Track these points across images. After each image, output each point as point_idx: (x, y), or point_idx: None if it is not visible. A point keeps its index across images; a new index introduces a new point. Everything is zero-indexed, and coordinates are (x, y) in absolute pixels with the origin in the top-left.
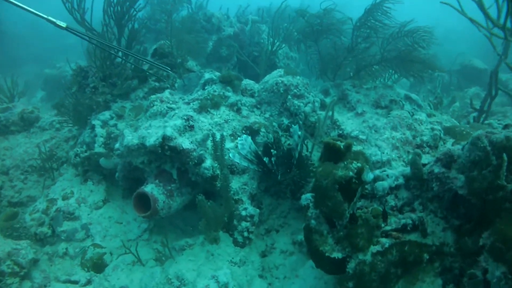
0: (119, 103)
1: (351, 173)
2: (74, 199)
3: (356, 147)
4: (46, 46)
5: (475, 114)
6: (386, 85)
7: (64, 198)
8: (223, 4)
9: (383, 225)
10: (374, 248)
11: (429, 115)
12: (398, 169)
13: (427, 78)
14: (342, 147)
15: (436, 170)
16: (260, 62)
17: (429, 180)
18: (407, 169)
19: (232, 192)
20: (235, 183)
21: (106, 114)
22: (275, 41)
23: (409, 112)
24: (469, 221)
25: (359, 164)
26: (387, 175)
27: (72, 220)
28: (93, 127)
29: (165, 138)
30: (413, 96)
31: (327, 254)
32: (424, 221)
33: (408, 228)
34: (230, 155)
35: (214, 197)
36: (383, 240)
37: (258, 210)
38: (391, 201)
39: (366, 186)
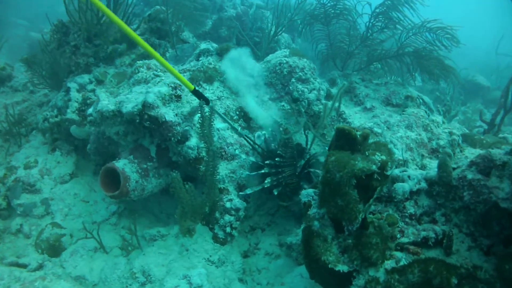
0: (102, 68)
1: (374, 166)
2: (37, 169)
3: (370, 139)
4: (38, 12)
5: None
6: (397, 82)
7: (26, 167)
8: None
9: (398, 236)
10: (388, 264)
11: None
12: (417, 171)
13: (441, 81)
14: (358, 136)
15: (470, 176)
16: (261, 48)
17: (458, 187)
18: (431, 172)
19: (218, 177)
20: (222, 169)
21: (85, 78)
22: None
23: (425, 112)
24: (506, 241)
25: (383, 157)
26: (409, 176)
27: (32, 193)
28: (68, 90)
29: (145, 106)
30: (426, 98)
31: (330, 266)
32: (452, 237)
33: (430, 242)
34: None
35: (195, 183)
36: (398, 254)
37: (245, 204)
38: (410, 208)
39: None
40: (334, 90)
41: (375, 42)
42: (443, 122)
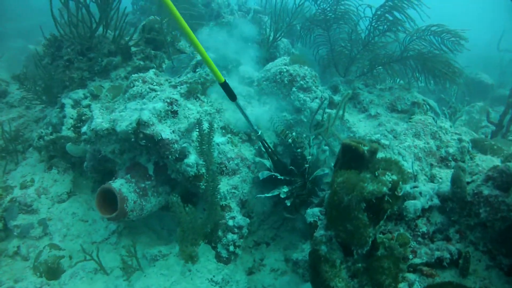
0: (97, 81)
1: (385, 188)
2: (33, 188)
3: (378, 154)
4: (34, 22)
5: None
6: (402, 87)
7: (23, 186)
8: None
9: (411, 256)
10: None
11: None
12: (428, 185)
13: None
14: (366, 151)
15: (487, 191)
16: (260, 54)
17: (473, 203)
18: (443, 187)
19: (219, 196)
20: (223, 185)
21: (80, 93)
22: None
23: (433, 118)
24: None
25: (394, 177)
26: (420, 193)
27: (28, 213)
28: (62, 106)
29: (140, 124)
30: (431, 102)
31: None
32: (469, 258)
33: (445, 263)
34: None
35: (197, 198)
36: (411, 276)
37: (248, 220)
38: (422, 226)
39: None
40: (337, 98)
41: (378, 46)
42: (451, 127)
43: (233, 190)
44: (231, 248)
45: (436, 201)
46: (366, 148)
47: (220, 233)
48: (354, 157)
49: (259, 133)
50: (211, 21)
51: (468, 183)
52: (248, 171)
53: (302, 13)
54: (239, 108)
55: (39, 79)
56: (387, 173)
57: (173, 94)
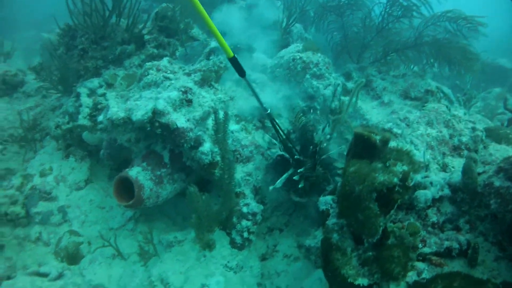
0: (111, 69)
1: (395, 179)
2: (52, 176)
3: (391, 144)
4: (48, 12)
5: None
6: (416, 74)
7: (42, 174)
8: None
9: (420, 245)
10: (410, 277)
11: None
12: (439, 175)
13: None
14: (378, 141)
15: (498, 183)
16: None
17: (484, 194)
18: (454, 177)
19: (234, 183)
20: (238, 173)
21: (95, 82)
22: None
23: (446, 106)
24: None
25: (405, 167)
26: (431, 183)
27: (48, 200)
28: (78, 96)
29: (155, 113)
30: (445, 89)
31: (350, 280)
32: (477, 248)
33: (454, 253)
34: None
35: (211, 185)
36: (420, 265)
37: (261, 207)
38: (433, 216)
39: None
40: (350, 85)
41: (392, 32)
42: (465, 114)
43: (247, 177)
44: (245, 234)
45: (447, 191)
46: (378, 137)
47: (234, 219)
48: (366, 147)
49: (268, 111)
50: (223, 5)
51: (479, 173)
52: (262, 158)
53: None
54: (249, 84)
55: (54, 69)
56: (398, 163)
57: (187, 82)
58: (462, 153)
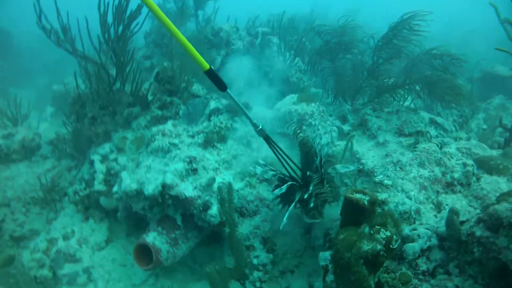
0: (120, 132)
1: (379, 247)
2: (75, 239)
3: (381, 195)
4: (55, 59)
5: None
6: (409, 109)
7: (65, 238)
8: (231, 14)
9: None
10: None
11: (455, 139)
12: (430, 222)
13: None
14: (366, 203)
15: (478, 233)
16: (273, 79)
17: (468, 242)
18: (441, 226)
19: (242, 237)
20: (246, 227)
21: (106, 147)
22: (287, 53)
23: (437, 145)
24: None
25: (388, 233)
26: (418, 235)
27: (73, 262)
28: (92, 163)
29: (165, 186)
30: (439, 119)
31: None
32: None
33: None
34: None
35: (222, 240)
36: None
37: (271, 256)
38: (422, 264)
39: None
40: (346, 127)
41: (382, 72)
42: (459, 139)
43: (255, 230)
44: (258, 284)
45: (434, 241)
46: (367, 198)
47: (247, 271)
48: (355, 210)
49: (260, 127)
50: (221, 50)
51: (463, 222)
52: (267, 210)
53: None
54: (232, 98)
55: (69, 139)
56: (382, 230)
57: (191, 151)
58: (455, 189)
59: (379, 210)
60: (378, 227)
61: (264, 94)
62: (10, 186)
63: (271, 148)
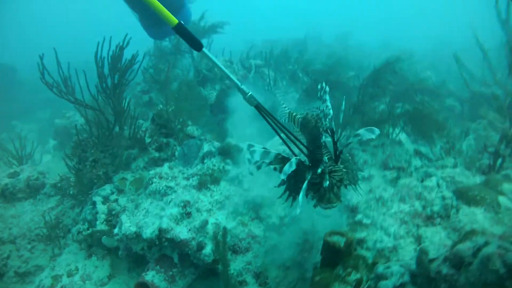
0: (120, 174)
1: None
2: (79, 276)
3: (359, 234)
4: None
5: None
6: (394, 142)
7: (69, 274)
8: (226, 45)
9: None
10: None
11: (441, 167)
12: (406, 258)
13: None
14: (342, 245)
15: (445, 271)
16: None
17: (436, 279)
18: (413, 263)
19: (235, 273)
20: (239, 263)
21: (107, 189)
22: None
23: (418, 179)
24: None
25: (358, 275)
26: (392, 273)
27: None
28: (94, 204)
29: (161, 230)
30: (423, 149)
31: None
32: None
33: None
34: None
35: (218, 275)
36: None
37: None
38: None
39: (370, 283)
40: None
41: (368, 110)
42: (444, 167)
43: (247, 266)
44: None
45: (407, 277)
46: (343, 240)
47: None
48: (332, 252)
49: (249, 93)
50: (216, 84)
51: (432, 260)
52: (259, 246)
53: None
54: (209, 57)
55: (72, 185)
56: (353, 272)
57: (185, 195)
58: (435, 222)
59: (360, 250)
60: (350, 269)
61: (257, 129)
62: (16, 224)
63: (266, 119)
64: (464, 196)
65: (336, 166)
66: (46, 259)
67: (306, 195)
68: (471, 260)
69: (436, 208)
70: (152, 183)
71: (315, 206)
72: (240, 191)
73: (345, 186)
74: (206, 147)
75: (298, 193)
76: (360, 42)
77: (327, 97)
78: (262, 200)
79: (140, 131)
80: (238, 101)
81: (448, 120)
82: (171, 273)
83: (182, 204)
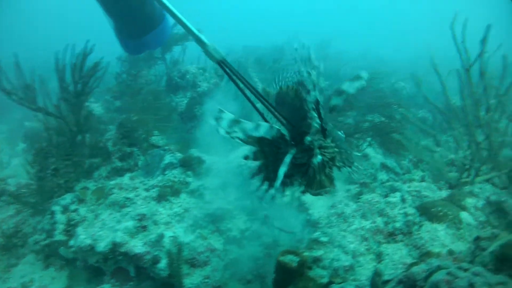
0: (82, 182)
1: None
2: None
3: (316, 252)
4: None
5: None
6: (361, 155)
7: (23, 287)
8: (201, 53)
9: None
10: None
11: (409, 181)
12: (363, 278)
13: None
14: (295, 265)
15: None
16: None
17: None
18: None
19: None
20: (196, 277)
21: (67, 198)
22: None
23: (381, 195)
24: None
25: None
26: None
27: None
28: (53, 213)
29: (115, 244)
30: (389, 163)
31: None
32: None
33: None
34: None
35: None
36: None
37: None
38: None
39: None
40: None
41: (333, 122)
42: (411, 180)
43: (205, 280)
44: None
45: None
46: (296, 260)
47: None
48: (286, 272)
49: (208, 44)
50: (187, 92)
51: (387, 281)
52: (218, 260)
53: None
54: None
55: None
56: None
57: (142, 208)
58: (397, 238)
59: (316, 269)
60: None
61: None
62: None
63: (233, 80)
64: (427, 212)
65: (326, 142)
66: (1, 269)
67: (291, 181)
68: (422, 284)
69: (398, 225)
70: (112, 193)
71: (303, 192)
72: (200, 204)
73: (339, 168)
74: (167, 158)
75: (271, 182)
76: (340, 50)
77: (311, 54)
78: (223, 213)
79: (104, 139)
80: (209, 109)
81: (416, 134)
82: (127, 286)
83: (138, 217)
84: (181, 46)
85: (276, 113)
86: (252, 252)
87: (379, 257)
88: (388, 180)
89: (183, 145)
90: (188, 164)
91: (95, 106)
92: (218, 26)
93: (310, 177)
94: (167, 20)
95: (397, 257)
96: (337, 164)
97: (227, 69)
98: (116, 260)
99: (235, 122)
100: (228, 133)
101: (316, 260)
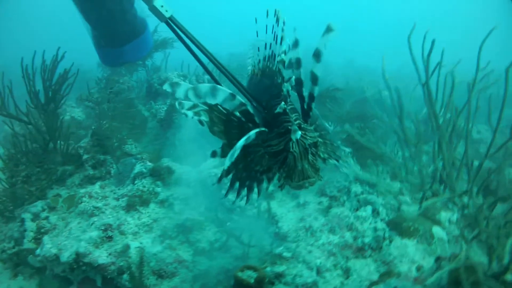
0: (54, 189)
1: None
2: None
3: (278, 268)
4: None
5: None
6: (334, 166)
7: None
8: (185, 59)
9: None
10: None
11: (384, 193)
12: None
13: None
14: (252, 281)
15: None
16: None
17: None
18: None
19: None
20: None
21: (38, 206)
22: None
23: (350, 209)
24: None
25: None
26: None
27: None
28: (22, 221)
29: (78, 254)
30: (365, 175)
31: None
32: None
33: None
34: None
35: None
36: None
37: None
38: None
39: None
40: (270, 187)
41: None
42: (388, 192)
43: None
44: None
45: None
46: (254, 276)
47: None
48: None
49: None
50: (167, 99)
51: None
52: (187, 271)
53: None
54: None
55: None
56: None
57: (108, 218)
58: (365, 254)
59: (278, 285)
60: None
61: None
62: None
63: (181, 39)
64: (398, 227)
65: (306, 125)
66: None
67: (270, 176)
68: None
69: (367, 240)
70: (81, 202)
71: (281, 187)
72: (170, 214)
73: (324, 160)
74: (138, 168)
75: (252, 179)
76: (325, 60)
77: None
78: (192, 224)
79: (76, 147)
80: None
81: (396, 144)
82: None
83: (103, 228)
84: (162, 52)
85: (237, 84)
86: (222, 263)
87: (346, 273)
88: (362, 193)
89: (158, 154)
90: (158, 174)
91: (77, 112)
92: (206, 32)
93: (290, 166)
94: (149, 31)
95: (364, 273)
96: (321, 155)
97: (176, 29)
98: (82, 270)
99: (191, 89)
100: (192, 109)
101: (279, 276)
